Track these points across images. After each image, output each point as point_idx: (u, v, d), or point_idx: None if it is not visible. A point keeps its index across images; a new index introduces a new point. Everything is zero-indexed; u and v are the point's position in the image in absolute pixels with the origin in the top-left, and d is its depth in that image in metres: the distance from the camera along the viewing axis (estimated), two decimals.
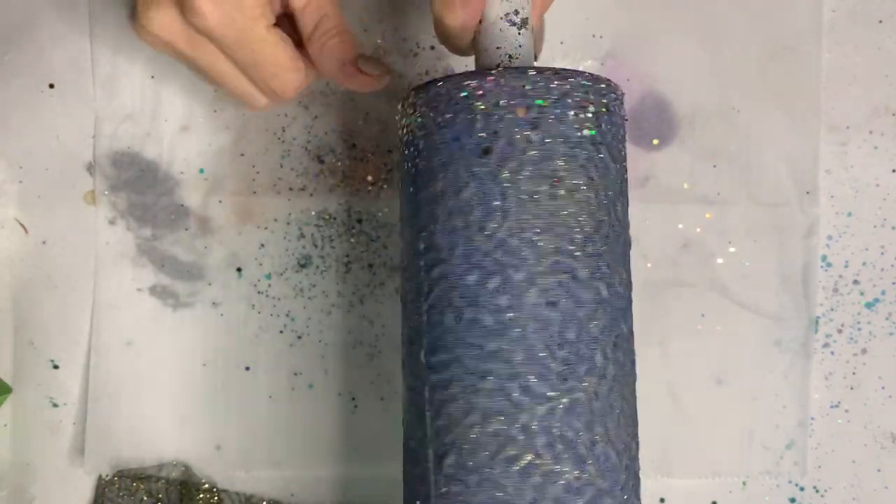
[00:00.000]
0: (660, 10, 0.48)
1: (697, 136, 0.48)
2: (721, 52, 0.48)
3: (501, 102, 0.34)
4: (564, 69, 0.35)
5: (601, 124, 0.35)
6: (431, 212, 0.36)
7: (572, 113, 0.35)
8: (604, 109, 0.36)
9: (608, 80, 0.37)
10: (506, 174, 0.34)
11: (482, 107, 0.35)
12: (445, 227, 0.35)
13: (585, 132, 0.35)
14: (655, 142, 0.48)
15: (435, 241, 0.35)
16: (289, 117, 0.47)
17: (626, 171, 0.38)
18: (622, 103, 0.38)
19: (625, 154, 0.38)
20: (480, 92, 0.35)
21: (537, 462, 0.34)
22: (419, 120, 0.36)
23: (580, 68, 0.47)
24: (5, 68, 0.47)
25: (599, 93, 0.36)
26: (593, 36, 0.48)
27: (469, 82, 0.35)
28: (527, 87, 0.34)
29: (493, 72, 0.35)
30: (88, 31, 0.47)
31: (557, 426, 0.34)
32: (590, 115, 0.35)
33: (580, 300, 0.34)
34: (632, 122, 0.48)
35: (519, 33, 0.37)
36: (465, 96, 0.35)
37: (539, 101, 0.34)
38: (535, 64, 0.38)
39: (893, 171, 0.48)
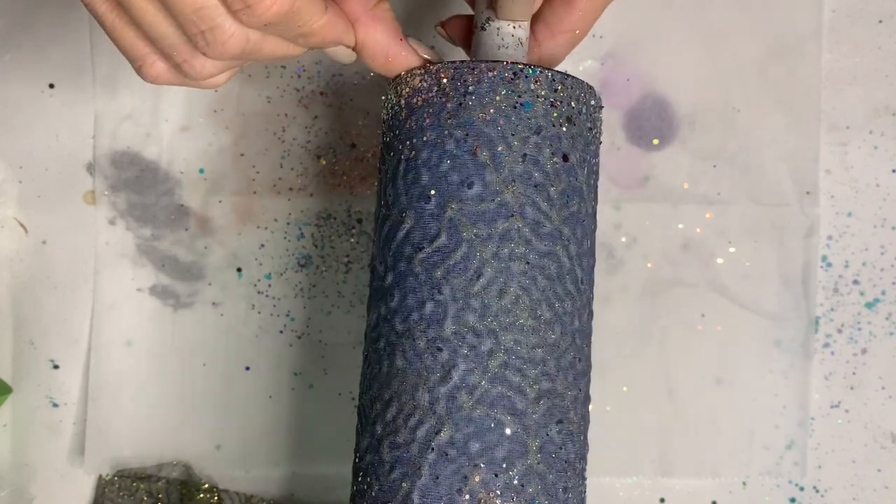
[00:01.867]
0: (660, 11, 0.48)
1: (697, 136, 0.48)
2: (721, 53, 0.48)
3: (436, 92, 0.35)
4: (530, 66, 0.35)
5: (547, 121, 0.35)
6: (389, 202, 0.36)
7: (518, 113, 0.35)
8: (558, 107, 0.35)
9: (574, 78, 0.36)
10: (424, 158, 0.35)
11: (422, 96, 0.35)
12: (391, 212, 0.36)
13: (525, 132, 0.35)
14: (655, 142, 0.48)
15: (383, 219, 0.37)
16: (289, 117, 0.47)
17: (588, 165, 0.37)
18: (589, 103, 0.36)
19: (587, 147, 0.37)
20: (423, 82, 0.35)
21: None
22: (385, 108, 0.37)
23: (580, 69, 0.48)
24: (5, 68, 0.47)
25: (563, 91, 0.35)
26: (593, 36, 0.48)
27: (415, 72, 0.36)
28: (466, 81, 0.35)
29: (452, 63, 0.35)
30: (88, 31, 0.47)
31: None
32: (542, 118, 0.35)
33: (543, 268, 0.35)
34: (632, 122, 0.48)
35: (497, 33, 0.37)
36: (413, 84, 0.36)
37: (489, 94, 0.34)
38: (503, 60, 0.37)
39: (893, 171, 0.48)
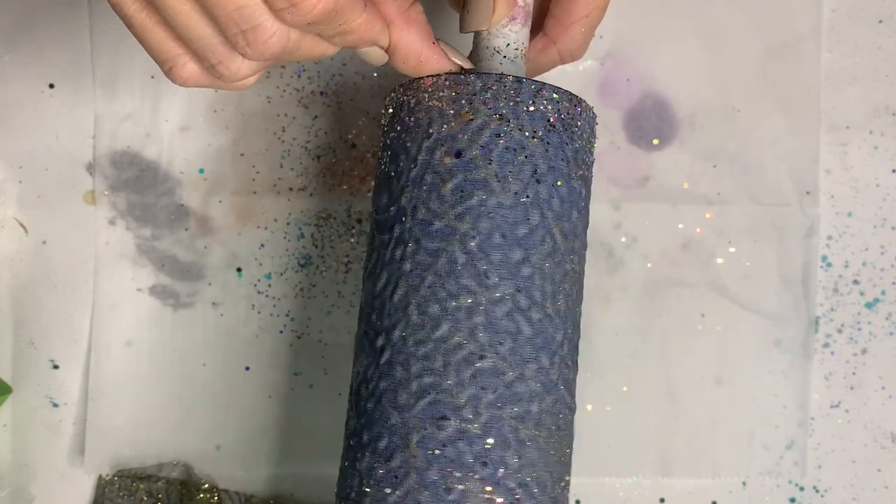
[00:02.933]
0: (660, 10, 0.48)
1: (697, 136, 0.48)
2: (721, 52, 0.48)
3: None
4: (427, 77, 0.36)
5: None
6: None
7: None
8: (448, 107, 0.36)
9: (479, 74, 0.36)
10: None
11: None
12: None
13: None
14: (655, 142, 0.48)
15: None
16: (289, 117, 0.48)
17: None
18: (504, 92, 0.36)
19: (496, 138, 0.36)
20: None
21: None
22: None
23: (580, 69, 0.48)
24: (5, 68, 0.47)
25: (454, 90, 0.36)
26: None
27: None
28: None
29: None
30: (88, 31, 0.47)
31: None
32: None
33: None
34: (632, 122, 0.48)
35: (476, 48, 0.38)
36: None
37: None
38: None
39: (893, 171, 0.48)
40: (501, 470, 0.34)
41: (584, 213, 0.37)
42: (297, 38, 0.31)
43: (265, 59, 0.31)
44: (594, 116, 0.38)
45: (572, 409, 0.37)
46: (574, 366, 0.37)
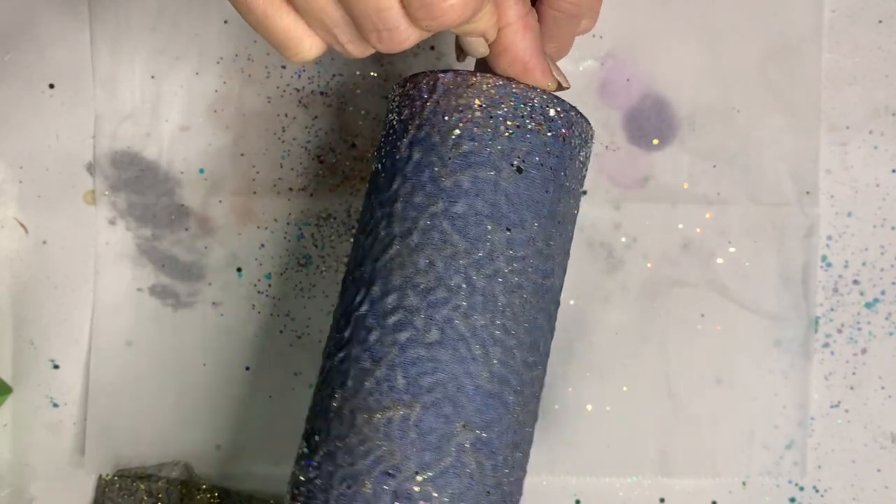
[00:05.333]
0: (660, 10, 0.48)
1: (697, 136, 0.48)
2: (721, 52, 0.48)
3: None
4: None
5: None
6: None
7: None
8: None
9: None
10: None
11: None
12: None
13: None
14: (655, 142, 0.48)
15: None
16: (289, 117, 0.48)
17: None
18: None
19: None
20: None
21: None
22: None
23: (580, 69, 0.48)
24: (5, 68, 0.47)
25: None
26: (593, 36, 0.48)
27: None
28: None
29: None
30: (88, 31, 0.47)
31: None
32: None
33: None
34: (632, 122, 0.48)
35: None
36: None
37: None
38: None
39: (893, 171, 0.48)
40: (317, 437, 0.37)
41: (418, 175, 0.36)
42: (425, 35, 0.32)
43: (393, 52, 0.32)
44: (435, 79, 0.37)
45: (396, 389, 0.35)
46: (412, 343, 0.35)
